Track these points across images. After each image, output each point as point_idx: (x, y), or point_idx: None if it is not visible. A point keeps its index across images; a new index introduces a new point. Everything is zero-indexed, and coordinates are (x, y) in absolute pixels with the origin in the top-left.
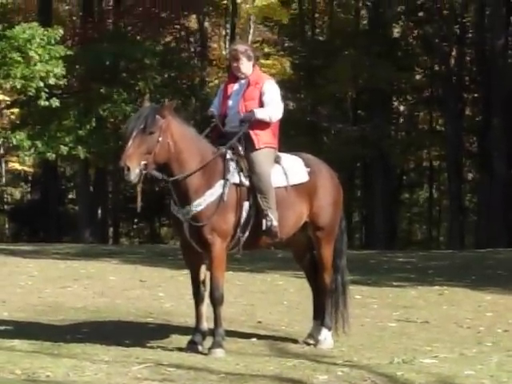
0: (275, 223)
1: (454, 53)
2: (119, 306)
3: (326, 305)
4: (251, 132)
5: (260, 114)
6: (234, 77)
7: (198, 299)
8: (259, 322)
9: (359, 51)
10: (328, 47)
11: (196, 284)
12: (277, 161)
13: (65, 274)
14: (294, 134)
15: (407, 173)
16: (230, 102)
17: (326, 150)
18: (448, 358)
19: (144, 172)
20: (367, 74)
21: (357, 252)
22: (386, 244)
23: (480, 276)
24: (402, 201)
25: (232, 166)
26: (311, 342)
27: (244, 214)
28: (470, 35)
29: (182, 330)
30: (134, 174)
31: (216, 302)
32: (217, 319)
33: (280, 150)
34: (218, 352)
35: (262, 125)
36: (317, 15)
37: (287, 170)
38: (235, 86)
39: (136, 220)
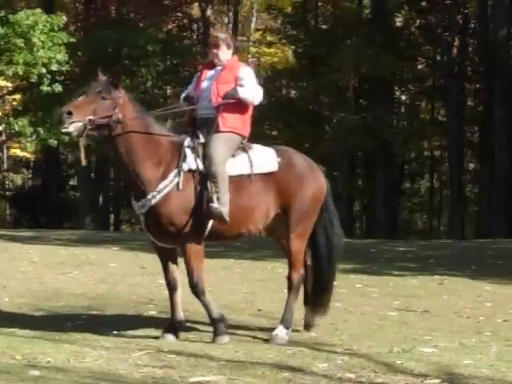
0: (215, 205)
1: (456, 43)
2: (120, 292)
3: (287, 301)
4: (218, 114)
5: (243, 92)
6: (210, 64)
7: (169, 288)
8: (259, 310)
9: (362, 40)
10: (331, 36)
11: (166, 274)
12: (244, 149)
13: (66, 260)
14: (296, 123)
15: (408, 162)
16: (203, 86)
17: (327, 138)
18: (447, 347)
19: (88, 127)
20: (369, 64)
21: (357, 241)
22: (387, 233)
23: (480, 266)
24: (403, 190)
25: (188, 152)
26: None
27: (201, 202)
28: (473, 25)
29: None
30: (74, 125)
31: (195, 293)
32: (205, 308)
33: (281, 139)
34: (222, 338)
35: (233, 108)
36: (320, 4)
37: (253, 159)
38: (210, 72)
39: None
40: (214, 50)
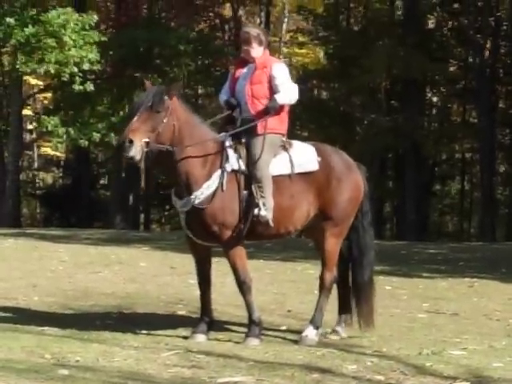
0: (264, 212)
1: (488, 45)
2: (149, 292)
3: (318, 301)
4: (256, 117)
5: (281, 99)
6: (242, 61)
7: (201, 287)
8: (289, 311)
9: (394, 42)
10: (362, 37)
11: (200, 275)
12: (285, 148)
13: (95, 259)
14: (328, 124)
15: (439, 164)
16: (237, 87)
17: (358, 139)
18: (477, 350)
19: (145, 150)
20: (401, 65)
21: (387, 243)
22: (417, 235)
23: (510, 269)
24: (433, 192)
25: (230, 153)
26: (333, 337)
27: (244, 203)
28: (505, 27)
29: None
30: (135, 150)
31: (243, 292)
32: (247, 307)
33: (313, 140)
34: (253, 341)
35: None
36: (352, 5)
37: (293, 158)
38: (243, 70)
39: (167, 207)
40: (245, 47)
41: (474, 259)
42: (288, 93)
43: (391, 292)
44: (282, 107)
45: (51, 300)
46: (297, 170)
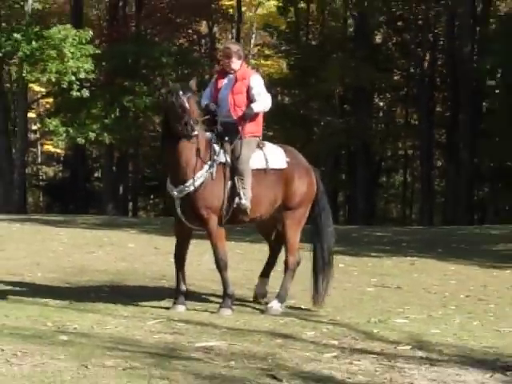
0: (244, 201)
1: (427, 57)
2: (137, 269)
3: (283, 281)
4: (238, 123)
5: (257, 108)
6: (223, 71)
7: (178, 265)
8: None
9: (346, 55)
10: (319, 51)
11: (179, 252)
12: (260, 147)
13: (90, 241)
14: (290, 126)
15: (385, 160)
16: (220, 95)
17: (316, 139)
18: (417, 319)
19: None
20: (353, 75)
21: (341, 227)
22: (366, 221)
23: (446, 249)
24: (380, 184)
25: (217, 148)
26: (261, 300)
27: (228, 192)
28: (442, 42)
29: (190, 291)
30: (198, 128)
31: (220, 268)
32: (224, 282)
33: (277, 138)
34: (226, 311)
35: (251, 117)
36: (310, 23)
37: (268, 156)
38: (224, 81)
39: (152, 196)
40: (227, 60)
41: (414, 241)
42: (263, 102)
43: (344, 269)
44: (257, 113)
45: (52, 276)
46: (270, 166)
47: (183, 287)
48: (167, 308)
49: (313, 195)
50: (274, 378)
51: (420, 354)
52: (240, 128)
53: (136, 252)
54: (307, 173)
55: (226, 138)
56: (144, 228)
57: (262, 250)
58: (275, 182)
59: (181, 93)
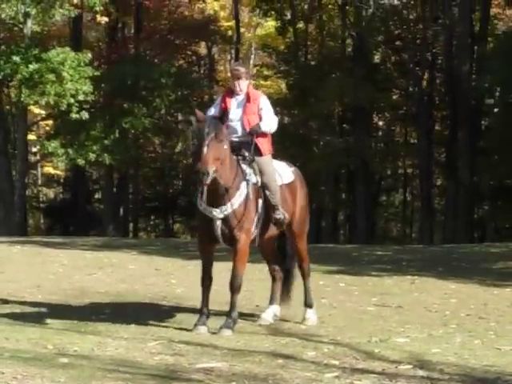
0: (285, 215)
1: (426, 76)
2: (137, 290)
3: (306, 288)
4: (257, 142)
5: (264, 127)
6: (230, 91)
7: (205, 287)
8: (257, 306)
9: (345, 74)
10: (318, 71)
11: (206, 274)
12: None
13: (91, 262)
14: (289, 145)
15: (385, 178)
16: (232, 116)
17: (315, 158)
18: (418, 338)
19: (214, 176)
20: (351, 94)
21: (341, 246)
22: (366, 239)
23: (446, 267)
24: (380, 203)
25: (247, 168)
26: (262, 322)
27: (260, 210)
28: (440, 61)
29: (191, 312)
30: (211, 178)
31: (234, 289)
32: (232, 305)
33: (277, 159)
34: (227, 332)
35: (264, 136)
36: (309, 43)
37: (279, 172)
38: (233, 101)
39: (153, 217)
40: (236, 81)
41: (415, 259)
42: (270, 123)
43: (344, 288)
44: (264, 132)
45: (53, 298)
46: (284, 182)
47: (206, 310)
48: (167, 327)
49: (307, 202)
50: None
51: (421, 373)
52: (260, 146)
53: (136, 273)
54: (304, 184)
55: (246, 154)
56: (144, 249)
57: (262, 271)
58: (289, 195)
59: (206, 131)
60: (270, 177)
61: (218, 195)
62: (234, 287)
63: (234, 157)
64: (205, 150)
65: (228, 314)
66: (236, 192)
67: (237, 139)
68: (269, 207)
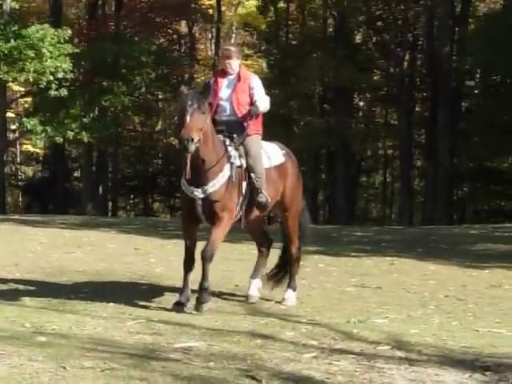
0: (268, 199)
1: (407, 57)
2: (116, 269)
3: (292, 270)
4: (242, 119)
5: (261, 106)
6: (222, 72)
7: (187, 268)
8: (236, 286)
9: (326, 54)
10: (299, 50)
11: (189, 254)
12: (261, 146)
13: (69, 241)
14: (270, 125)
15: (365, 159)
16: (222, 94)
17: (296, 138)
18: (397, 319)
19: (197, 145)
20: (332, 74)
21: (321, 227)
22: (346, 220)
23: (425, 249)
24: (360, 183)
25: (233, 151)
26: (252, 300)
27: (243, 192)
28: (421, 42)
29: (170, 291)
30: (194, 146)
31: (206, 258)
32: (204, 273)
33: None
34: (205, 306)
35: (256, 116)
36: (290, 22)
37: (269, 154)
38: (225, 81)
39: (132, 196)
40: (227, 61)
41: (394, 241)
42: (264, 102)
43: (324, 269)
44: (260, 114)
45: (31, 276)
46: (273, 164)
47: (188, 290)
48: (146, 306)
49: (301, 185)
50: (254, 378)
51: (399, 354)
52: (248, 127)
53: (115, 252)
54: (296, 164)
55: (235, 136)
56: (123, 228)
57: (242, 250)
58: (278, 177)
59: (189, 103)
60: (256, 159)
61: (201, 174)
62: (206, 255)
63: (221, 137)
64: (188, 118)
65: (200, 287)
66: (219, 173)
67: (226, 118)
68: (253, 189)
